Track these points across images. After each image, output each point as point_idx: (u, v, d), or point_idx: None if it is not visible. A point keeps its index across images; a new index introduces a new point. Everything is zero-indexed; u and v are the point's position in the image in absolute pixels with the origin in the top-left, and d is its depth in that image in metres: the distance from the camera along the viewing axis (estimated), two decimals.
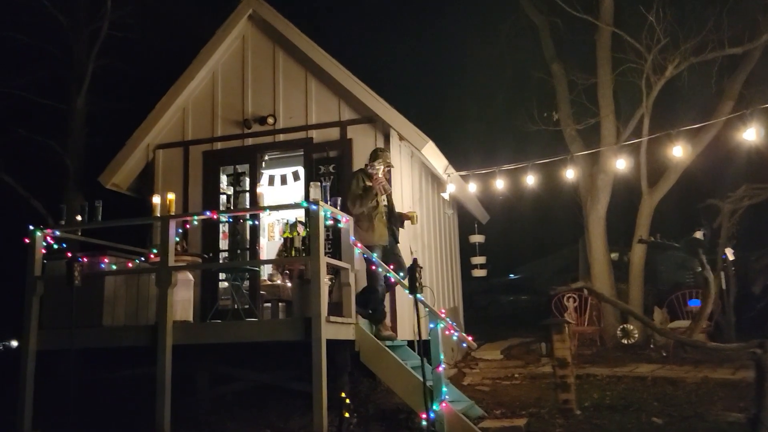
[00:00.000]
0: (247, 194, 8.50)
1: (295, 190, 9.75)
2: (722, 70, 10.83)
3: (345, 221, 6.44)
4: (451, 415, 5.76)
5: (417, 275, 5.28)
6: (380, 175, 6.86)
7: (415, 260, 5.53)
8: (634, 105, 11.18)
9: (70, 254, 6.25)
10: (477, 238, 12.64)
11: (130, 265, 6.71)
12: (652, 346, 9.92)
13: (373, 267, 6.54)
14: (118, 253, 6.70)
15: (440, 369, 5.97)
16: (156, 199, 6.32)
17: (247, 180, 8.55)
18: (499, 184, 10.62)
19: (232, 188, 8.58)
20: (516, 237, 17.76)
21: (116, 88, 12.39)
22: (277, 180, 9.88)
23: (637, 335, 10.12)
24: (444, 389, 5.86)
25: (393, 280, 6.42)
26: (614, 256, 13.40)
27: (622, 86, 11.44)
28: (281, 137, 8.54)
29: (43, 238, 6.54)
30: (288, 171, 9.81)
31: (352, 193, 6.82)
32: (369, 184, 6.82)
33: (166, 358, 5.83)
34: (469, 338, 6.52)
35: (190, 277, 6.57)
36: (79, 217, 6.74)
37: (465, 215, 12.27)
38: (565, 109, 12.39)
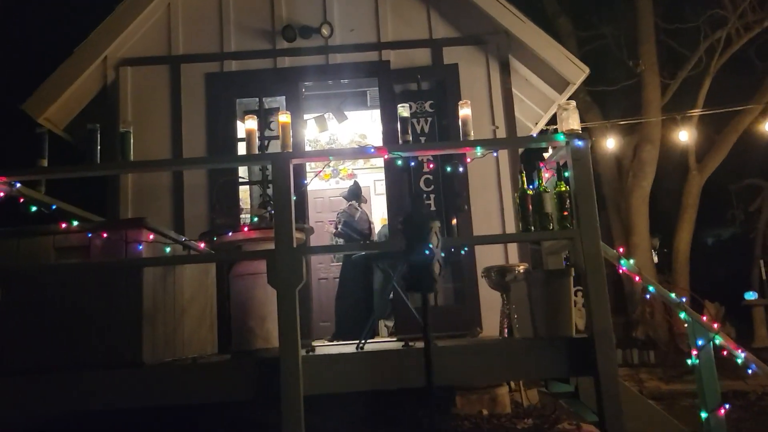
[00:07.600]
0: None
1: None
2: None
3: None
4: None
5: None
6: None
7: None
8: (674, 66, 9.71)
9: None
10: None
11: (202, 246, 3.55)
12: None
13: None
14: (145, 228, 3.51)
15: (722, 412, 3.78)
16: (251, 123, 3.36)
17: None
18: None
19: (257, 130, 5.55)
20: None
21: None
22: None
23: None
24: None
25: None
26: None
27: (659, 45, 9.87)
28: (338, 58, 5.68)
29: None
30: (310, 116, 6.86)
31: None
32: None
33: (298, 411, 2.94)
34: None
35: None
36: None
37: None
38: None
